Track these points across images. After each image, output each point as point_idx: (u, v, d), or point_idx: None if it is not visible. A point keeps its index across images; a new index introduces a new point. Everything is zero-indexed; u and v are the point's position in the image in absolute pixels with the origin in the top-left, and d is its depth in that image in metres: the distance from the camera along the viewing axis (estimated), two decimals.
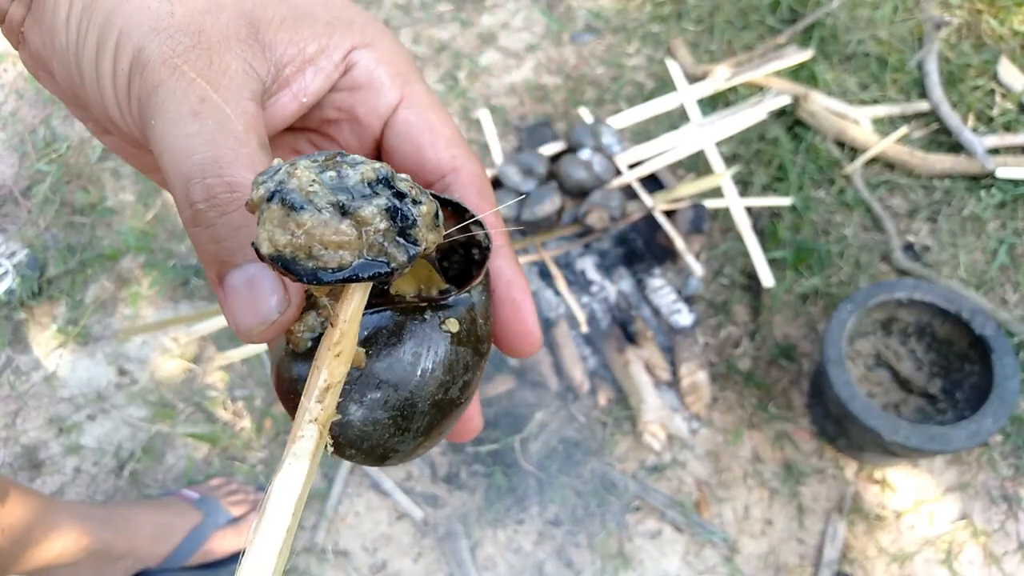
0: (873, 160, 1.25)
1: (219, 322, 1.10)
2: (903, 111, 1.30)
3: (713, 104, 1.29)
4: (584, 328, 0.97)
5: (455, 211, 0.23)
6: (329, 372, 0.18)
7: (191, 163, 0.19)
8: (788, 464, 1.04)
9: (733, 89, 1.30)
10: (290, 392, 0.21)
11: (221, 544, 0.92)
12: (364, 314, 0.20)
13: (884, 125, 1.29)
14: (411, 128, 0.22)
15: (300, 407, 0.18)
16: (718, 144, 1.22)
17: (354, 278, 0.17)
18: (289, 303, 0.19)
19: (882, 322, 1.01)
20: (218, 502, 0.94)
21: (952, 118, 1.26)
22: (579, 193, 0.96)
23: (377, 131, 0.23)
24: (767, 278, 0.95)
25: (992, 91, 1.31)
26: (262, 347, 0.94)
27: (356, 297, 0.18)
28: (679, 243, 0.96)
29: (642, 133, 1.28)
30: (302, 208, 0.17)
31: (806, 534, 1.00)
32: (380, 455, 0.21)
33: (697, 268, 0.97)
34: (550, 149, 1.02)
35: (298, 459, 0.18)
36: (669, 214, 1.00)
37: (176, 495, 0.95)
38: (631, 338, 1.05)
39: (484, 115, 1.08)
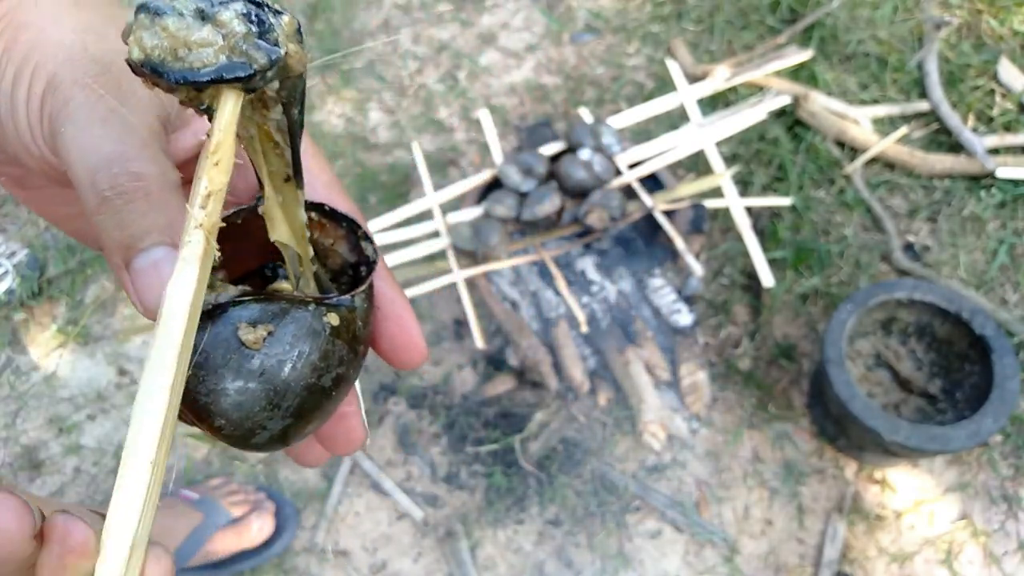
0: (873, 160, 1.25)
1: None
2: (903, 111, 1.30)
3: (713, 104, 1.29)
4: (584, 328, 0.97)
5: (349, 228, 0.25)
6: (209, 180, 0.19)
7: (98, 156, 0.20)
8: (788, 464, 1.04)
9: (733, 89, 1.30)
10: None
11: (222, 544, 0.92)
12: (251, 301, 0.22)
13: (884, 125, 1.29)
14: None
15: (187, 216, 0.19)
16: (718, 144, 1.22)
17: (219, 79, 0.19)
18: None
19: (882, 322, 1.02)
20: (218, 502, 0.94)
21: (952, 118, 1.26)
22: (579, 193, 0.96)
23: None
24: (767, 278, 0.96)
25: (992, 91, 1.31)
26: None
27: (229, 106, 0.20)
28: (679, 243, 0.96)
29: (642, 133, 1.28)
30: (165, 13, 0.18)
31: (806, 534, 1.00)
32: (248, 429, 0.22)
33: (697, 268, 0.97)
34: (550, 149, 1.02)
35: (188, 263, 0.19)
36: (669, 214, 1.00)
37: (176, 496, 0.95)
38: (631, 338, 1.05)
39: (484, 115, 1.08)
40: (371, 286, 0.24)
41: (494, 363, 1.10)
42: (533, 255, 1.01)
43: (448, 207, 1.04)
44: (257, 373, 0.21)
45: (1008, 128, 1.27)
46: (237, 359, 0.21)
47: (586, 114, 1.12)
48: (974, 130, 1.27)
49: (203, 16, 0.19)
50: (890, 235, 1.18)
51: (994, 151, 1.24)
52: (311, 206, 0.25)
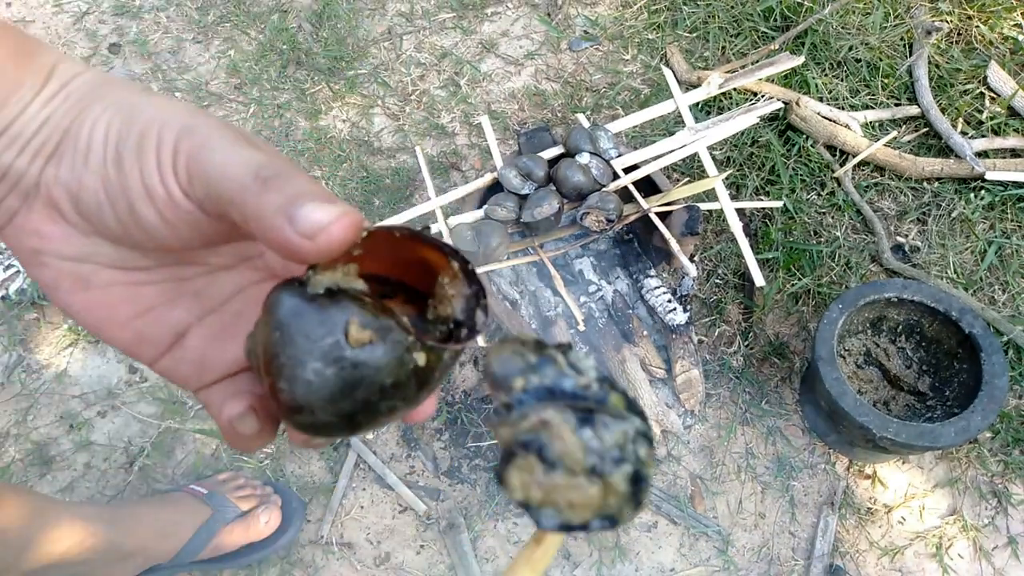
0: (863, 163, 1.27)
1: None
2: (893, 115, 1.32)
3: (707, 109, 1.32)
4: (582, 327, 1.00)
5: (475, 292, 0.26)
6: None
7: (254, 162, 0.22)
8: (780, 459, 1.06)
9: (727, 94, 1.33)
10: (278, 307, 0.23)
11: (230, 537, 0.94)
12: (369, 305, 0.23)
13: (874, 129, 1.32)
14: None
15: None
16: (712, 148, 1.25)
17: (582, 527, 0.20)
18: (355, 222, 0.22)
19: (872, 321, 1.04)
20: (226, 497, 0.96)
21: (942, 122, 1.28)
22: (577, 196, 0.99)
23: None
24: (759, 278, 0.98)
25: (981, 95, 1.33)
26: None
27: (557, 541, 0.21)
28: (674, 245, 0.98)
29: (638, 138, 1.31)
30: (557, 468, 0.20)
31: (798, 527, 1.02)
32: (300, 405, 0.23)
33: (691, 269, 0.99)
34: (549, 153, 1.05)
35: None
36: (664, 216, 1.02)
37: (185, 491, 0.97)
38: (627, 336, 1.08)
39: (485, 121, 1.11)
40: (462, 351, 0.25)
41: None
42: (532, 256, 1.04)
43: (450, 209, 1.07)
44: (338, 367, 0.22)
45: (997, 132, 1.30)
46: (332, 345, 0.22)
47: (584, 119, 1.15)
48: (963, 134, 1.29)
49: (594, 472, 0.19)
50: (880, 236, 1.20)
51: (983, 154, 1.27)
52: (454, 253, 0.26)
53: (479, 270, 0.99)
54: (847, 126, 1.29)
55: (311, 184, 0.22)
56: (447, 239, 1.01)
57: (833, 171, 1.27)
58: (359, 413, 0.23)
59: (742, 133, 1.28)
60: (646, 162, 1.05)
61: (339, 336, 0.22)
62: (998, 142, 1.27)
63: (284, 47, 1.49)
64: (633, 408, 0.22)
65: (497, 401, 0.22)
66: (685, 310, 1.07)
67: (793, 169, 1.27)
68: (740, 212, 1.22)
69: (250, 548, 0.96)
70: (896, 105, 1.34)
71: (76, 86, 0.25)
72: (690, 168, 1.26)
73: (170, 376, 0.28)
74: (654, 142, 1.09)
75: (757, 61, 1.34)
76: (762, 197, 1.25)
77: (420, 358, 0.23)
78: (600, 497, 0.20)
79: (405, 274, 0.27)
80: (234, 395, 0.26)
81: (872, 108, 1.34)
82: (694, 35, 1.45)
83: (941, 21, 1.41)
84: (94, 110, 0.25)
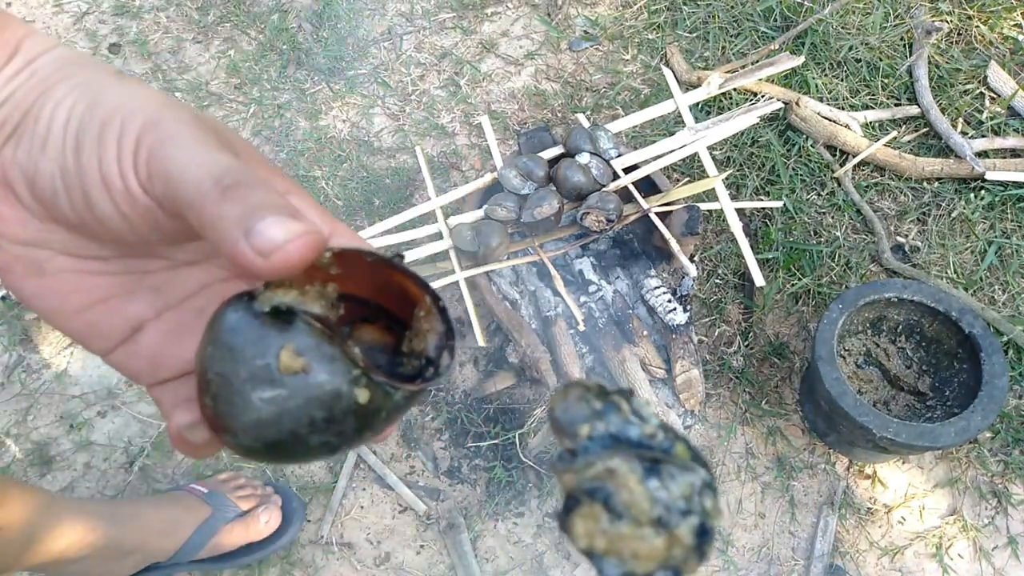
0: (863, 163, 1.28)
1: None
2: (893, 115, 1.32)
3: (707, 109, 1.32)
4: (582, 327, 1.00)
5: (447, 333, 0.25)
6: None
7: (218, 165, 0.21)
8: (780, 459, 1.06)
9: (727, 94, 1.33)
10: (218, 321, 0.22)
11: (230, 537, 0.95)
12: (317, 330, 0.22)
13: (874, 129, 1.32)
14: None
15: None
16: (711, 148, 1.25)
17: None
18: (318, 239, 0.21)
19: (872, 321, 1.04)
20: (227, 496, 0.96)
21: (942, 122, 1.28)
22: (577, 196, 0.99)
23: None
24: (759, 278, 0.98)
25: (981, 95, 1.34)
26: None
27: None
28: (674, 244, 0.98)
29: (638, 137, 1.31)
30: (623, 517, 0.20)
31: (798, 527, 1.02)
32: (226, 424, 0.22)
33: (691, 269, 0.99)
34: (549, 153, 1.05)
35: None
36: (664, 216, 1.02)
37: (185, 490, 0.97)
38: (627, 336, 1.08)
39: (485, 121, 1.11)
40: (421, 392, 0.24)
41: (494, 360, 1.13)
42: (532, 256, 1.04)
43: (450, 210, 1.07)
44: (264, 393, 0.21)
45: (997, 132, 1.30)
46: (261, 368, 0.21)
47: (584, 119, 1.15)
48: (963, 134, 1.29)
49: (660, 523, 0.19)
50: (880, 236, 1.20)
51: (983, 154, 1.27)
52: (426, 286, 0.25)
53: (479, 270, 0.99)
54: (847, 126, 1.29)
55: (275, 196, 0.21)
56: (447, 239, 1.01)
57: (833, 171, 1.27)
58: (286, 443, 0.22)
59: (742, 133, 1.28)
60: (646, 162, 1.05)
61: (271, 360, 0.21)
62: (998, 142, 1.27)
63: (284, 47, 1.49)
64: (698, 458, 0.22)
65: (561, 447, 0.22)
66: (685, 310, 1.07)
67: (793, 169, 1.27)
68: (740, 212, 1.22)
69: (250, 548, 0.96)
70: (896, 105, 1.34)
71: (43, 63, 0.24)
72: (690, 168, 1.26)
73: (122, 369, 0.27)
74: (654, 142, 1.09)
75: (757, 61, 1.34)
76: (762, 197, 1.25)
77: (361, 395, 0.22)
78: (665, 549, 0.19)
79: (387, 299, 0.26)
80: (186, 401, 0.25)
81: (872, 108, 1.34)
82: (694, 35, 1.45)
83: (941, 21, 1.41)
84: (58, 91, 0.23)
